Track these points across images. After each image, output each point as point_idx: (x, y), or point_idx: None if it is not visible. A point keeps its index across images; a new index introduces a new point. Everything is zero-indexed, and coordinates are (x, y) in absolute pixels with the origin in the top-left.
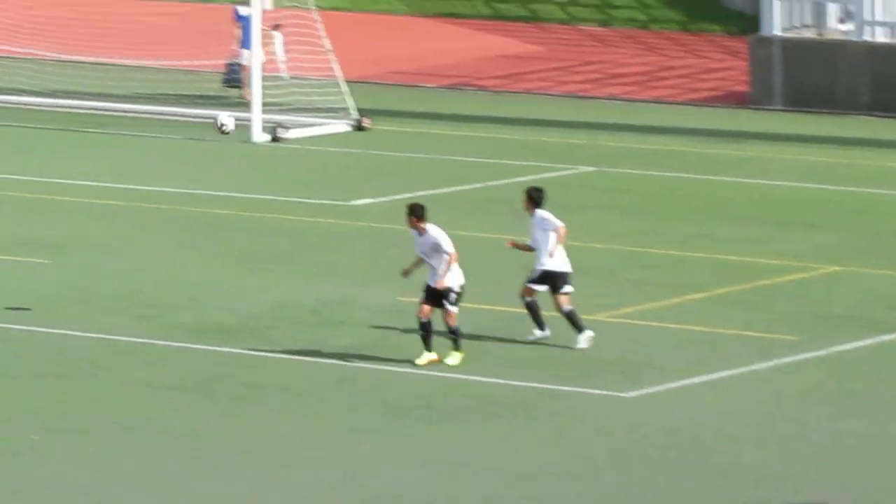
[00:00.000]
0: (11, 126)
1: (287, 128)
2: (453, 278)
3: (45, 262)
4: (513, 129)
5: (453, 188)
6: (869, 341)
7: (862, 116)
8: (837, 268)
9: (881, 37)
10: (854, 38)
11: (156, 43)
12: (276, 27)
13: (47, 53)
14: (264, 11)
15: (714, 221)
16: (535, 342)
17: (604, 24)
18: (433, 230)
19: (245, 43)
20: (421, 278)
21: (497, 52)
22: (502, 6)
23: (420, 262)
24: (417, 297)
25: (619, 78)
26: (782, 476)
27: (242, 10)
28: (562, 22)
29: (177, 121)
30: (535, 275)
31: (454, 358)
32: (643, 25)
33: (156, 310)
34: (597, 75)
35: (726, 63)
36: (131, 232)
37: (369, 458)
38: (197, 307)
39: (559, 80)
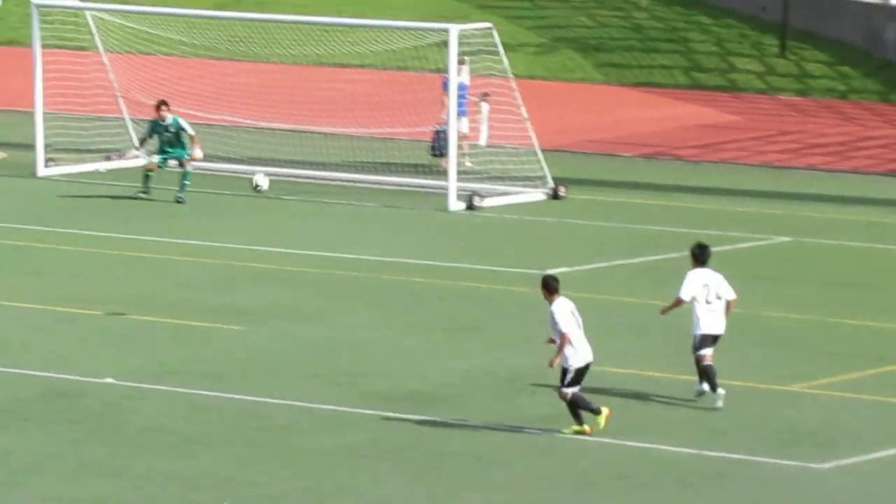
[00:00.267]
0: (207, 193)
1: (483, 196)
2: (571, 358)
3: (240, 328)
4: (709, 198)
5: (649, 257)
6: None
7: None
8: None
9: None
10: None
11: (352, 110)
12: (485, 96)
13: (243, 120)
14: (471, 79)
15: None
16: (699, 396)
17: (802, 93)
18: (555, 306)
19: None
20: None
21: (694, 122)
22: (700, 75)
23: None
24: (611, 366)
25: (818, 148)
26: None
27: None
28: (760, 91)
29: (373, 188)
30: (696, 340)
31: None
32: (842, 95)
33: (349, 377)
34: (794, 145)
35: None
36: (325, 299)
37: None
38: (390, 375)
39: (757, 150)
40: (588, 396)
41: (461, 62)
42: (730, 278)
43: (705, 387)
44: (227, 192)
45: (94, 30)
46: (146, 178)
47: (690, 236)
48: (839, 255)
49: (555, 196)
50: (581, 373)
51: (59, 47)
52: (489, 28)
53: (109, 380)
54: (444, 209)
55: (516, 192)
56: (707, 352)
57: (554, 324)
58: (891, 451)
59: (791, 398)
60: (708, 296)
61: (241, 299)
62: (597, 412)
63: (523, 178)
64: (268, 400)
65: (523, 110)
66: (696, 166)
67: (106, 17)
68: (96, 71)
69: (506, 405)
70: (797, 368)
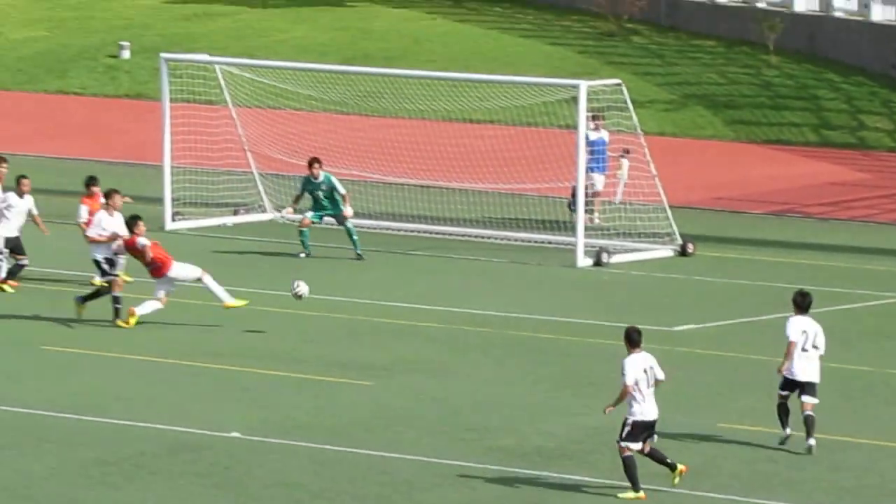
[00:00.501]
0: (335, 247)
1: (611, 252)
2: (633, 408)
3: (367, 383)
4: (839, 256)
5: (776, 314)
6: None
7: None
8: None
9: None
10: None
11: (480, 166)
12: (625, 153)
13: (372, 175)
14: (610, 135)
15: None
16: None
17: None
18: (629, 358)
19: (594, 167)
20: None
21: (824, 179)
22: (830, 133)
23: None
24: (739, 423)
25: None
26: None
27: (592, 135)
28: (890, 150)
29: (501, 243)
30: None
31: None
32: None
33: (475, 433)
34: None
35: None
36: (452, 354)
37: None
38: (516, 430)
39: (886, 208)
40: (665, 451)
41: (600, 118)
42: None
43: (788, 431)
44: (350, 247)
45: (223, 84)
46: (301, 234)
47: (818, 294)
48: None
49: (683, 253)
50: (641, 428)
51: (188, 101)
52: (619, 84)
53: (235, 434)
54: (572, 265)
55: (644, 249)
56: (808, 400)
57: (621, 375)
58: None
59: None
60: (805, 343)
61: (368, 354)
62: (672, 467)
63: (652, 235)
64: (393, 455)
65: (652, 167)
66: (825, 224)
67: (235, 71)
68: (225, 125)
69: None
70: None
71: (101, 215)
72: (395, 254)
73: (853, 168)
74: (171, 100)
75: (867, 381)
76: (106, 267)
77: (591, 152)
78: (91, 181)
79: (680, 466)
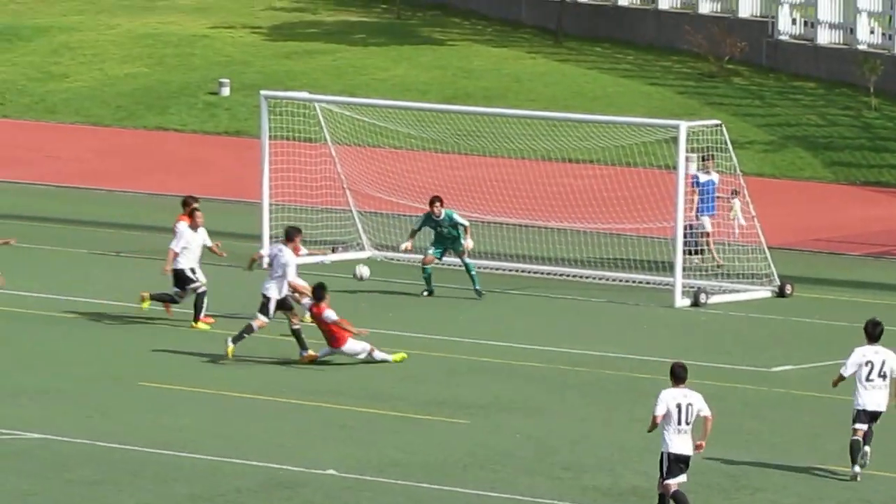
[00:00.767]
0: (445, 287)
1: (709, 293)
2: (665, 440)
3: (464, 422)
4: None
5: None
6: None
7: None
8: None
9: None
10: None
11: (579, 205)
12: (735, 193)
13: (470, 214)
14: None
15: None
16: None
17: None
18: (665, 391)
19: (704, 209)
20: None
21: None
22: None
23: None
24: (835, 464)
25: None
26: None
27: (702, 177)
28: None
29: (599, 283)
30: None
31: None
32: None
33: (571, 472)
34: None
35: None
36: (548, 394)
37: None
38: (612, 470)
39: None
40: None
41: (710, 159)
42: None
43: (857, 469)
44: (452, 286)
45: (322, 122)
46: (424, 270)
47: None
48: None
49: (781, 294)
50: (674, 461)
51: (287, 138)
52: (718, 125)
53: (331, 471)
54: (671, 305)
55: (743, 290)
56: (858, 427)
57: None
58: None
59: None
60: (870, 373)
61: (464, 392)
62: None
63: (750, 276)
64: (488, 493)
65: (751, 207)
66: None
67: (335, 109)
68: (323, 162)
69: (725, 502)
70: None
71: (183, 227)
72: (493, 293)
73: None
74: (271, 137)
75: None
76: (190, 275)
77: (701, 193)
78: (190, 200)
79: None
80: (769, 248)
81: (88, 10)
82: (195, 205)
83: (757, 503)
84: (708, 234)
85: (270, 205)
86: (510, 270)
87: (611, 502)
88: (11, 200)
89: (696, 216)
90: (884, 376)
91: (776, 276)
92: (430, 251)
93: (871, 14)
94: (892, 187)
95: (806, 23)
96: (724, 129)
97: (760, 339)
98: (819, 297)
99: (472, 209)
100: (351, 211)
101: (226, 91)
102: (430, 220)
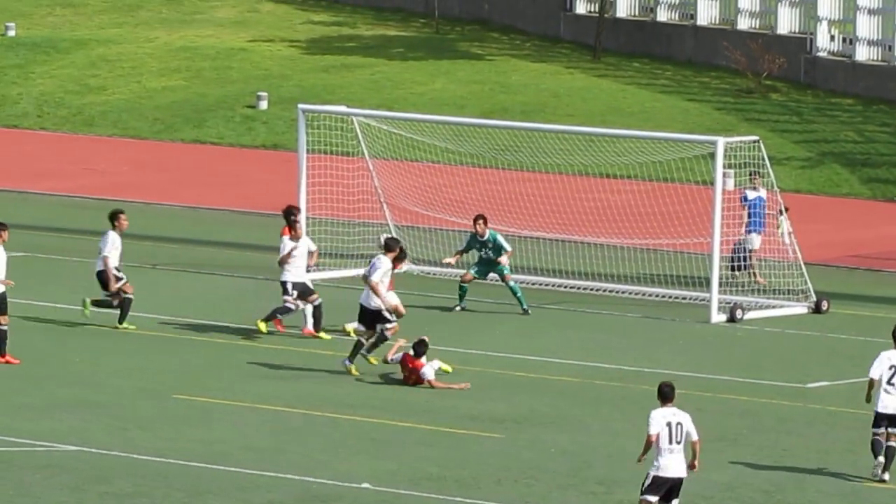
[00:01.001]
0: (480, 302)
1: (745, 309)
2: (654, 462)
3: (498, 436)
4: None
5: None
6: None
7: None
8: None
9: None
10: None
11: (616, 220)
12: (783, 211)
13: (507, 229)
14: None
15: None
16: None
17: None
18: (655, 411)
19: (752, 226)
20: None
21: None
22: None
23: None
24: (871, 481)
25: None
26: None
27: (750, 194)
28: None
29: (635, 298)
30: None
31: None
32: None
33: (605, 487)
34: None
35: None
36: (583, 408)
37: None
38: None
39: None
40: None
41: (757, 175)
42: None
43: (881, 459)
44: (487, 300)
45: (360, 136)
46: (461, 288)
47: None
48: None
49: (817, 310)
50: (660, 483)
51: (324, 152)
52: (756, 141)
53: (366, 485)
54: (706, 321)
55: (779, 306)
56: (893, 431)
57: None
58: None
59: None
60: (892, 377)
61: (499, 407)
62: None
63: (786, 292)
64: None
65: (789, 223)
66: None
67: (372, 123)
68: (361, 176)
69: None
70: None
71: (286, 241)
72: (529, 307)
73: None
74: (308, 151)
75: None
76: (289, 288)
77: (750, 209)
78: (292, 211)
79: None
80: (805, 264)
81: (127, 23)
82: (295, 216)
83: None
84: (754, 252)
85: (308, 218)
86: (546, 285)
87: None
88: (49, 212)
89: (745, 233)
90: None
91: (812, 293)
92: (472, 271)
93: None
94: None
95: (844, 39)
96: (762, 144)
97: (796, 356)
98: (855, 314)
99: (508, 223)
100: (388, 225)
101: (263, 104)
102: (475, 241)
